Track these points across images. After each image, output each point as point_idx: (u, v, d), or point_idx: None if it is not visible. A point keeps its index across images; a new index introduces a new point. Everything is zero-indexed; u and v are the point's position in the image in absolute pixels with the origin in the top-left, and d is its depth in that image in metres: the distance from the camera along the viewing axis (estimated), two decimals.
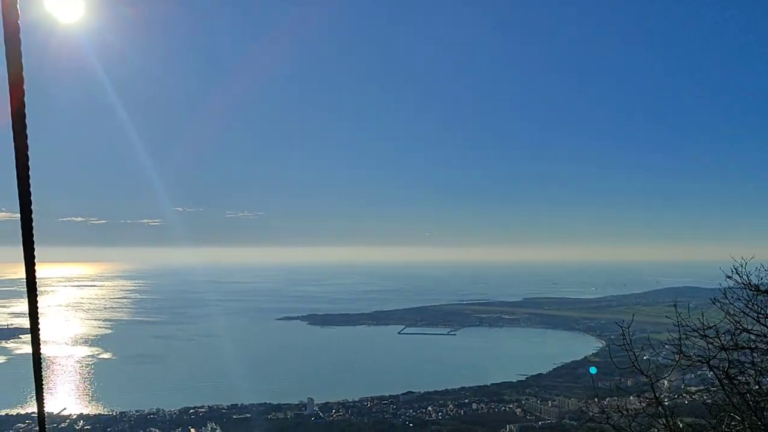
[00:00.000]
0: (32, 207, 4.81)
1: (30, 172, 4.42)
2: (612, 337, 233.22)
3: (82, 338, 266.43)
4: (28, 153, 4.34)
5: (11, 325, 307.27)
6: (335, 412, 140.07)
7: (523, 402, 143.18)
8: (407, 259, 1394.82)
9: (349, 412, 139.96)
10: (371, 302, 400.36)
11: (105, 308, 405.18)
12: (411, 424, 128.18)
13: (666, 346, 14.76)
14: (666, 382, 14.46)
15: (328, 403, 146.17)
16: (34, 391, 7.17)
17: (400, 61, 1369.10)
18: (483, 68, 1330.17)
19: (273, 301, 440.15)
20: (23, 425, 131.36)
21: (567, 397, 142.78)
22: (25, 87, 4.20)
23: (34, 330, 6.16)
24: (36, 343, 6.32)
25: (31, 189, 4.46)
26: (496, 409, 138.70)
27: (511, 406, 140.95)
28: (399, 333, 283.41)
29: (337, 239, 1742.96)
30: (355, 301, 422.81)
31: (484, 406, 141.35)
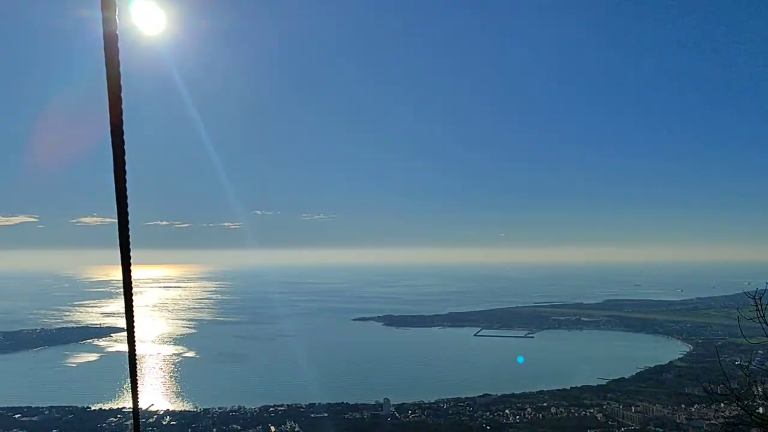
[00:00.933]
0: (128, 211, 5.12)
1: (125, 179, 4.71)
2: (699, 341, 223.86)
3: (167, 337, 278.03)
4: (125, 159, 4.63)
5: (103, 324, 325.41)
6: (411, 413, 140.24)
7: (604, 407, 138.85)
8: (481, 261, 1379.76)
9: (425, 414, 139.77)
10: (446, 304, 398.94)
11: (189, 308, 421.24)
12: (488, 427, 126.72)
13: (760, 352, 14.04)
14: (759, 388, 13.73)
15: (404, 404, 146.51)
16: (130, 388, 7.59)
17: (474, 61, 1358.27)
18: (571, 69, 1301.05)
19: (348, 301, 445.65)
20: (115, 419, 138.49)
21: (651, 403, 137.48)
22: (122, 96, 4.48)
23: (130, 330, 6.53)
24: (132, 342, 6.70)
25: (127, 195, 4.74)
26: (577, 414, 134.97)
27: (592, 410, 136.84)
28: (475, 335, 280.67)
29: (410, 241, 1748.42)
30: (429, 302, 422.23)
31: (563, 410, 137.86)
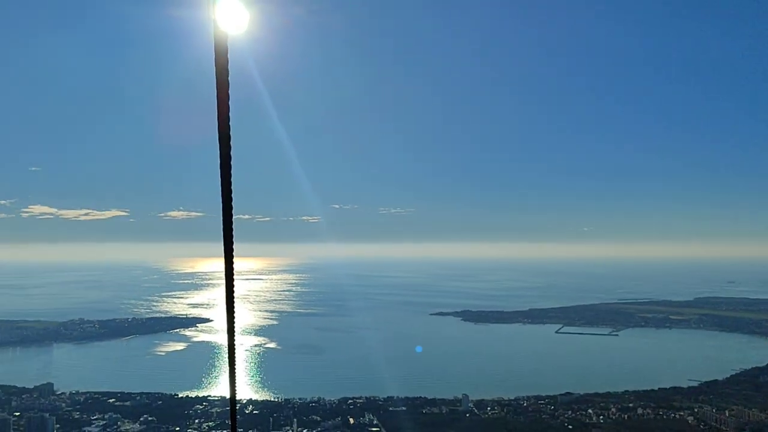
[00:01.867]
0: (232, 206, 5.14)
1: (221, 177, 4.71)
2: None
3: (251, 328, 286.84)
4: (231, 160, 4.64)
5: (189, 314, 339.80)
6: (490, 410, 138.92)
7: (696, 410, 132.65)
8: (563, 256, 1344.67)
9: (505, 411, 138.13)
10: (525, 300, 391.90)
11: (270, 300, 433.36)
12: (570, 426, 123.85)
13: None
14: None
15: (483, 400, 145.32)
16: (228, 377, 7.72)
17: (561, 41, 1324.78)
18: (669, 53, 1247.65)
19: (426, 296, 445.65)
20: (201, 407, 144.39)
21: (747, 407, 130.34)
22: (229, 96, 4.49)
23: (230, 321, 6.61)
24: (231, 333, 6.78)
25: (232, 190, 4.75)
26: (665, 416, 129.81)
27: (682, 413, 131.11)
28: (556, 332, 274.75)
29: (489, 235, 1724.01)
30: (508, 298, 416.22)
31: (650, 411, 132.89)
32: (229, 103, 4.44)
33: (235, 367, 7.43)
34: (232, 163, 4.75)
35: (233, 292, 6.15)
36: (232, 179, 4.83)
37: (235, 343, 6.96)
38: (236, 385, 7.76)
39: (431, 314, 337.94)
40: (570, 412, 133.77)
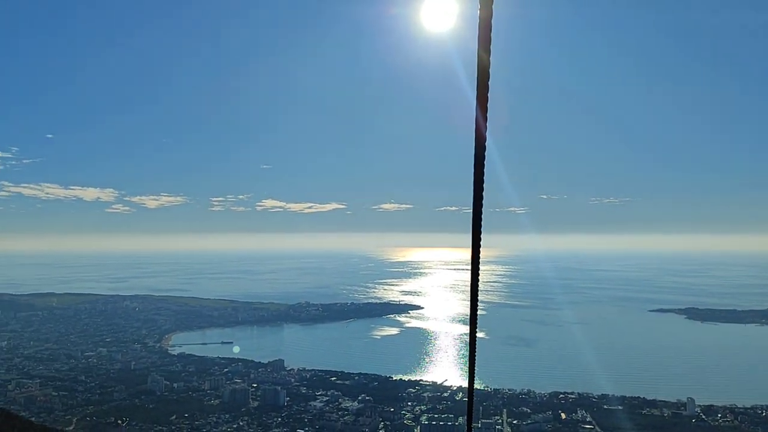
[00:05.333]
0: (483, 200, 5.37)
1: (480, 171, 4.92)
2: None
3: (459, 317, 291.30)
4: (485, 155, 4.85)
5: (402, 301, 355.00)
6: (721, 417, 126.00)
7: None
8: None
9: (739, 419, 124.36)
10: (762, 298, 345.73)
11: (479, 291, 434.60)
12: None
13: None
14: None
15: (712, 406, 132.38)
16: (468, 366, 8.03)
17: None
18: None
19: (643, 291, 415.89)
20: (414, 390, 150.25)
21: None
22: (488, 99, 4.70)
23: (473, 313, 6.88)
24: (473, 323, 7.05)
25: (483, 186, 4.96)
26: None
27: None
28: None
29: (717, 226, 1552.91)
30: (742, 295, 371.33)
31: None
32: (487, 105, 4.64)
33: (475, 359, 7.68)
34: (484, 163, 4.96)
35: (478, 285, 6.40)
36: (484, 177, 5.04)
37: (476, 335, 7.21)
38: (474, 376, 8.02)
39: (650, 311, 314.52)
40: None
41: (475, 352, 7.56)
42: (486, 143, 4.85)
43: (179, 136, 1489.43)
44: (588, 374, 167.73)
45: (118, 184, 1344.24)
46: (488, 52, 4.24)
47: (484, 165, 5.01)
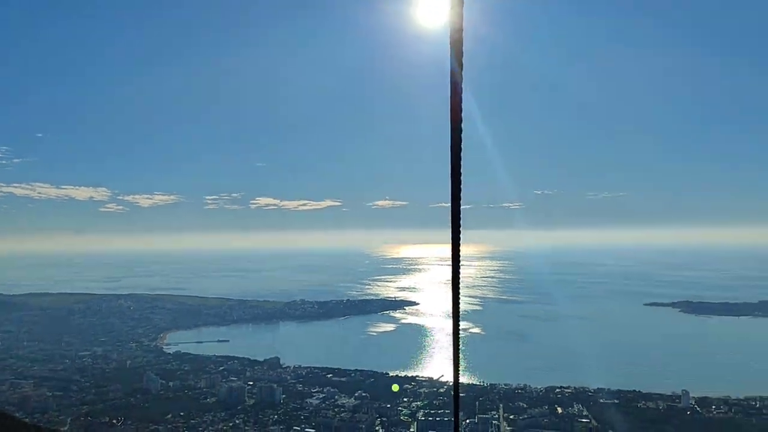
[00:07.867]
0: (460, 196, 5.24)
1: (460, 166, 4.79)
2: None
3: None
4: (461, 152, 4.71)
5: (398, 297, 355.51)
6: (715, 409, 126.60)
7: None
8: None
9: (733, 411, 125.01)
10: (760, 290, 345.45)
11: (474, 286, 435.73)
12: None
13: None
14: None
15: (706, 397, 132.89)
16: (452, 360, 7.91)
17: None
18: None
19: (639, 285, 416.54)
20: (410, 386, 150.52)
21: None
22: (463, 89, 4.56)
23: (455, 308, 6.75)
24: (456, 319, 6.93)
25: (461, 180, 4.83)
26: None
27: None
28: None
29: (718, 218, 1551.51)
30: (740, 288, 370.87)
31: None
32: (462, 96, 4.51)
33: (459, 353, 7.59)
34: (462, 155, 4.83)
35: (459, 280, 6.27)
36: (461, 170, 4.91)
37: (459, 330, 7.11)
38: (459, 370, 7.92)
39: (645, 304, 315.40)
40: None
41: (459, 347, 7.45)
42: (462, 135, 4.72)
43: (172, 134, 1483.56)
44: (583, 368, 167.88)
45: (111, 183, 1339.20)
46: (461, 30, 4.10)
47: (460, 158, 4.89)
